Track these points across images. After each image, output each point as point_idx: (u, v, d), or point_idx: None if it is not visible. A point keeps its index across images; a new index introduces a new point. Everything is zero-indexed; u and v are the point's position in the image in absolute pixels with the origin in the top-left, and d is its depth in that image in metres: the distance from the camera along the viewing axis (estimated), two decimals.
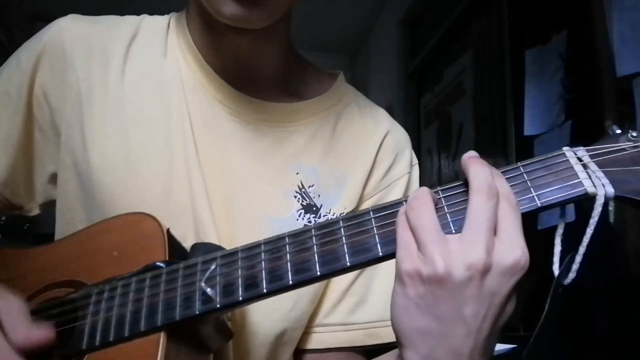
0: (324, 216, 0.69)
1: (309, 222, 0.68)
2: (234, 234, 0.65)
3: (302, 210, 0.68)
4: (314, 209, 0.69)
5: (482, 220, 0.44)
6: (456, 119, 2.43)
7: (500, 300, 0.43)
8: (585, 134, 1.53)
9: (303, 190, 0.69)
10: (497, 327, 0.45)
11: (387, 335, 0.69)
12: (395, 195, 0.74)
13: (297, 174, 0.69)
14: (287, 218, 0.67)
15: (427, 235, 0.44)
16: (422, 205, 0.45)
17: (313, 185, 0.70)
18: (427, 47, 2.74)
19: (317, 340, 0.69)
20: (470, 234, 0.43)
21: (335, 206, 0.70)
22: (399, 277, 0.45)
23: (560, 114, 1.64)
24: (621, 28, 1.40)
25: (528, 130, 1.77)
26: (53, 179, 0.70)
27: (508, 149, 1.91)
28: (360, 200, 0.72)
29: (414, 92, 2.91)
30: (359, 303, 0.70)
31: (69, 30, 0.69)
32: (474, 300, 0.43)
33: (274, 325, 0.65)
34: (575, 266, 0.46)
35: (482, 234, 0.43)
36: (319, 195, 0.70)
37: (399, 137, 0.77)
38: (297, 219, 0.68)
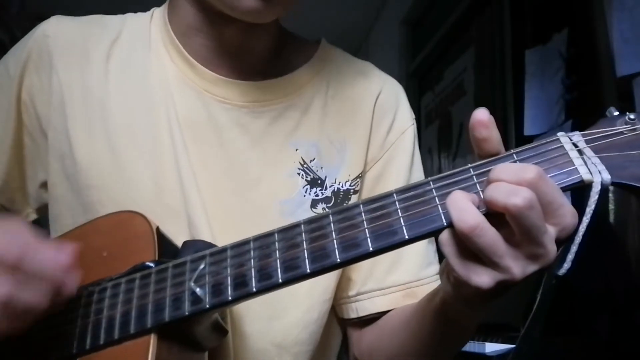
0: (329, 187, 0.69)
1: (316, 195, 0.68)
2: (246, 226, 0.63)
3: (308, 186, 0.68)
4: (319, 181, 0.69)
5: (540, 233, 0.43)
6: (457, 119, 2.43)
7: None
8: None
9: (305, 165, 0.69)
10: None
11: (424, 293, 0.68)
12: (403, 152, 0.73)
13: (297, 150, 0.69)
14: (295, 196, 0.67)
15: (500, 258, 0.43)
16: (481, 233, 0.43)
17: (314, 159, 0.69)
18: (428, 46, 2.74)
19: (360, 308, 0.70)
20: (533, 245, 0.43)
21: (340, 174, 0.70)
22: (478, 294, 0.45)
23: (560, 113, 1.64)
24: (622, 28, 1.40)
25: (528, 130, 1.76)
26: (44, 185, 0.70)
27: (508, 149, 1.91)
28: (365, 165, 0.71)
29: (414, 91, 2.91)
30: (392, 265, 0.70)
31: (52, 34, 0.69)
32: None
33: (299, 303, 0.66)
34: (570, 256, 0.44)
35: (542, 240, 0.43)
36: (322, 168, 0.69)
37: (394, 91, 0.77)
38: (305, 195, 0.68)
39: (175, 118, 0.66)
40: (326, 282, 0.68)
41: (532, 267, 0.43)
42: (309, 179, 0.69)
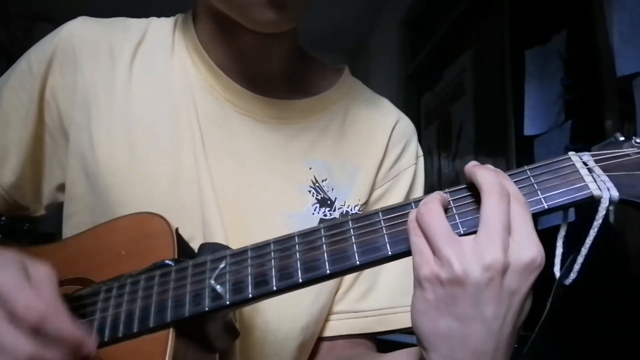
0: (338, 209, 0.70)
1: (325, 215, 0.69)
2: (252, 232, 0.65)
3: (317, 205, 0.69)
4: (329, 202, 0.70)
5: (496, 221, 0.44)
6: (456, 119, 2.43)
7: (519, 299, 0.44)
8: (585, 134, 1.53)
9: (317, 184, 0.70)
10: (517, 325, 0.46)
11: (397, 322, 0.70)
12: (402, 186, 0.75)
13: (310, 169, 0.70)
14: (304, 212, 0.68)
15: (440, 239, 0.45)
16: (432, 210, 0.46)
17: (326, 179, 0.70)
18: (428, 47, 2.74)
19: (328, 328, 0.70)
20: (485, 235, 0.44)
21: (350, 198, 0.71)
22: (417, 282, 0.46)
23: (560, 114, 1.64)
24: (621, 28, 1.40)
25: (528, 130, 1.77)
26: (61, 188, 0.70)
27: (508, 149, 1.91)
28: (372, 189, 0.73)
29: (414, 91, 2.91)
30: (368, 290, 0.71)
31: (78, 33, 0.69)
32: (494, 301, 0.43)
33: (298, 319, 0.66)
34: (576, 267, 0.46)
35: (497, 234, 0.44)
36: (333, 189, 0.70)
37: (406, 128, 0.79)
38: (313, 213, 0.69)
39: (196, 121, 0.67)
40: (325, 300, 0.68)
41: (476, 268, 0.43)
42: (319, 197, 0.70)
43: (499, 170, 0.49)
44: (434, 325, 0.45)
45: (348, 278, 0.71)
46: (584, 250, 0.47)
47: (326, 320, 0.71)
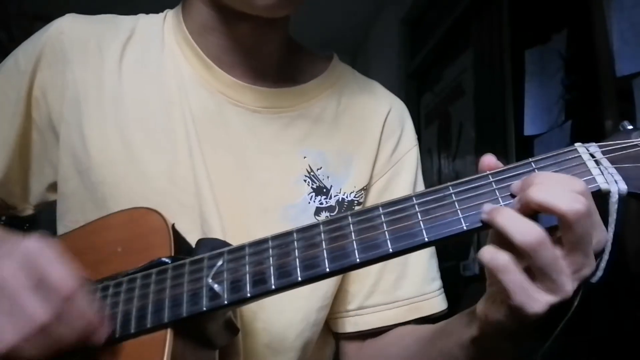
0: (334, 196, 0.70)
1: (320, 204, 0.69)
2: (250, 226, 0.65)
3: (313, 193, 0.69)
4: (324, 190, 0.70)
5: (585, 239, 0.43)
6: (456, 119, 2.42)
7: None
8: (586, 134, 1.52)
9: (312, 173, 0.70)
10: None
11: (428, 308, 0.71)
12: (408, 168, 0.75)
13: (305, 157, 0.70)
14: (300, 203, 0.68)
15: (559, 274, 0.43)
16: (543, 244, 0.43)
17: (321, 168, 0.70)
18: (428, 46, 2.73)
19: (361, 322, 0.71)
20: (582, 254, 0.44)
21: (345, 185, 0.71)
22: (521, 314, 0.44)
23: (560, 114, 1.64)
24: (621, 28, 1.40)
25: (528, 130, 1.76)
26: (52, 187, 0.70)
27: (508, 149, 1.91)
28: (371, 179, 0.73)
29: (414, 92, 2.91)
30: (398, 279, 0.71)
31: (67, 31, 0.69)
32: None
33: (298, 306, 0.66)
34: (602, 265, 0.45)
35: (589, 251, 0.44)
36: (328, 177, 0.71)
37: (401, 112, 0.79)
38: (309, 202, 0.69)
39: (190, 116, 0.67)
40: (325, 288, 0.68)
41: (576, 283, 0.44)
42: (314, 186, 0.70)
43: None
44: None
45: (373, 271, 0.71)
46: (607, 248, 0.45)
47: (359, 315, 0.71)
